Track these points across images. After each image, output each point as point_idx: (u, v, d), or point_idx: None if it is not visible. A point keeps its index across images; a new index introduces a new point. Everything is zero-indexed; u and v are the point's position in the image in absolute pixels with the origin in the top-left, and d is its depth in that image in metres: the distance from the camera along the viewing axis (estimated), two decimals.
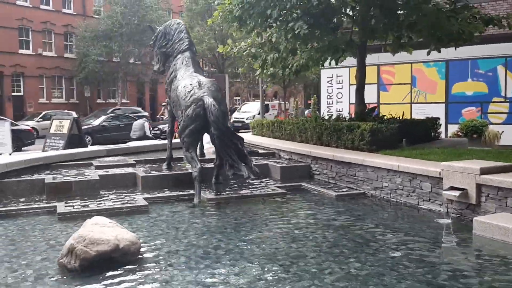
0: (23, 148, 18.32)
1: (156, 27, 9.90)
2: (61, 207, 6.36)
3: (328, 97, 19.55)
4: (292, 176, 8.79)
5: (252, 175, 7.28)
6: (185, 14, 30.05)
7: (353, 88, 12.38)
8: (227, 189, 7.88)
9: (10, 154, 13.64)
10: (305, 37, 9.90)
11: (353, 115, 11.27)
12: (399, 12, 10.05)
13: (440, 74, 16.47)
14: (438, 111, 15.52)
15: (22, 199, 7.14)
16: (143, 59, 34.43)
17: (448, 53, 13.46)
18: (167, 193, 7.46)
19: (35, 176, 8.09)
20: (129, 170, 8.71)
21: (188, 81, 7.80)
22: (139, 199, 6.91)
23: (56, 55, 33.78)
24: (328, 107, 19.39)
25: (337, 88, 19.30)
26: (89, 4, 35.77)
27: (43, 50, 33.00)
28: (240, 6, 10.90)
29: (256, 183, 8.17)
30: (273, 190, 7.74)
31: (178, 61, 8.82)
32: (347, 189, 7.88)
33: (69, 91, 34.85)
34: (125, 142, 18.88)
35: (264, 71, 11.82)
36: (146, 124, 15.24)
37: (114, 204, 6.65)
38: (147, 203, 6.60)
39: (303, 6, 9.66)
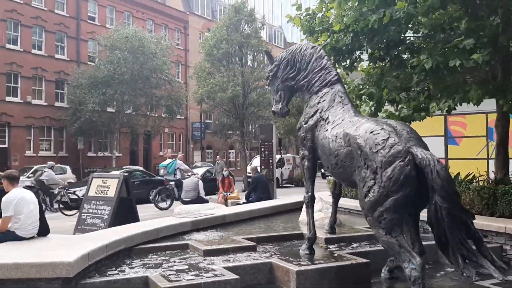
0: None
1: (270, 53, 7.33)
2: None
3: None
4: None
5: (499, 273, 4.62)
6: (203, 60, 27.63)
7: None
8: None
9: None
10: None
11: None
12: None
13: None
14: None
15: None
16: (141, 109, 31.67)
17: None
18: None
19: (130, 273, 5.17)
20: (262, 258, 5.86)
21: (370, 125, 5.21)
22: None
23: (46, 104, 30.65)
24: None
25: None
26: (83, 50, 33.17)
27: (32, 98, 29.87)
28: (352, 33, 8.69)
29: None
30: None
31: (325, 97, 6.25)
32: None
33: (59, 143, 31.48)
34: (148, 203, 16.09)
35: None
36: (201, 183, 12.38)
37: None
38: None
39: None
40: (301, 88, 6.69)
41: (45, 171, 17.44)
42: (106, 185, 9.64)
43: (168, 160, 16.37)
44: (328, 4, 10.08)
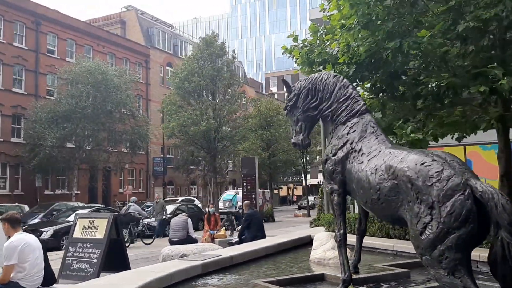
0: None
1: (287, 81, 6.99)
2: None
3: None
4: None
5: None
6: (172, 94, 27.02)
7: None
8: None
9: None
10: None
11: None
12: None
13: None
14: None
15: None
16: (102, 144, 30.46)
17: None
18: None
19: None
20: None
21: (418, 156, 4.91)
22: None
23: (2, 139, 28.93)
24: None
25: None
26: (42, 84, 31.83)
27: None
28: (355, 65, 8.63)
29: None
30: None
31: (355, 127, 5.95)
32: None
33: (14, 181, 29.61)
34: None
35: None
36: (190, 221, 11.65)
37: None
38: None
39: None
40: (325, 118, 6.39)
41: (131, 205, 19.06)
42: (93, 226, 8.85)
43: (231, 193, 16.09)
44: (324, 36, 10.04)
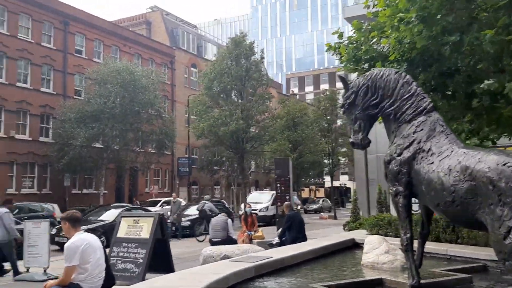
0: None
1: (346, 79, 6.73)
2: None
3: None
4: None
5: None
6: (202, 94, 26.97)
7: None
8: None
9: (45, 271, 9.41)
10: None
11: None
12: None
13: None
14: None
15: None
16: (130, 144, 30.60)
17: None
18: None
19: None
20: None
21: (499, 157, 4.62)
22: None
23: (30, 139, 29.27)
24: None
25: None
26: (70, 84, 32.15)
27: (16, 132, 28.48)
28: (406, 62, 8.37)
29: None
30: None
31: (422, 126, 5.66)
32: None
33: (42, 180, 29.92)
34: None
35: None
36: (230, 222, 11.48)
37: None
38: None
39: None
40: (386, 116, 6.11)
41: (206, 203, 19.97)
42: (138, 225, 8.72)
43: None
44: (369, 33, 9.75)
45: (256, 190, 52.02)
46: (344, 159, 38.13)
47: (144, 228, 8.60)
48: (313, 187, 67.60)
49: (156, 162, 33.86)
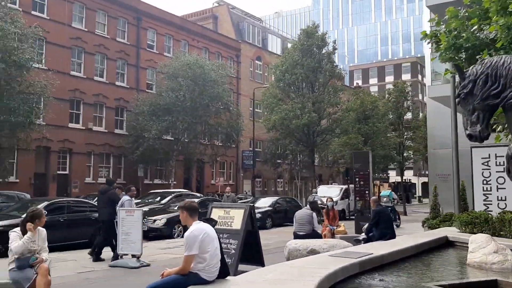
0: None
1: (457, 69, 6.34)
2: None
3: (485, 182, 15.90)
4: None
5: None
6: (273, 86, 26.95)
7: None
8: None
9: (138, 258, 9.71)
10: None
11: None
12: None
13: None
14: None
15: None
16: (198, 136, 31.21)
17: None
18: None
19: None
20: None
21: None
22: None
23: (106, 131, 30.55)
24: (485, 194, 15.72)
25: (497, 172, 15.71)
26: (142, 77, 33.22)
27: (93, 124, 29.83)
28: None
29: None
30: None
31: None
32: None
33: (117, 170, 31.17)
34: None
35: None
36: (315, 216, 11.35)
37: None
38: None
39: None
40: (509, 107, 5.69)
41: (315, 195, 19.69)
42: (229, 216, 8.77)
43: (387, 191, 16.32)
44: (467, 21, 9.20)
45: (319, 184, 51.67)
46: (412, 153, 36.83)
47: (235, 219, 8.64)
48: (377, 182, 66.09)
49: (222, 155, 34.33)
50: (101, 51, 30.55)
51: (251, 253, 8.85)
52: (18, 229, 6.03)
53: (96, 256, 10.61)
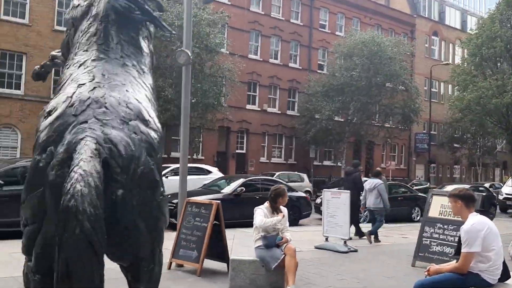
0: (300, 221, 14.31)
1: None
2: None
3: None
4: None
5: None
6: (466, 62, 24.51)
7: None
8: None
9: (345, 242, 9.29)
10: None
11: None
12: None
13: None
14: None
15: None
16: (372, 117, 29.98)
17: None
18: None
19: None
20: None
21: None
22: None
23: (279, 112, 31.22)
24: None
25: None
26: (314, 58, 33.07)
27: (268, 106, 30.67)
28: None
29: None
30: None
31: None
32: None
33: (288, 151, 31.73)
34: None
35: None
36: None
37: None
38: None
39: None
40: None
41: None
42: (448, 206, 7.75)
43: None
44: None
45: (503, 172, 46.22)
46: None
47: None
48: None
49: (395, 137, 32.58)
50: (276, 33, 31.05)
51: None
52: (263, 206, 6.00)
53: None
